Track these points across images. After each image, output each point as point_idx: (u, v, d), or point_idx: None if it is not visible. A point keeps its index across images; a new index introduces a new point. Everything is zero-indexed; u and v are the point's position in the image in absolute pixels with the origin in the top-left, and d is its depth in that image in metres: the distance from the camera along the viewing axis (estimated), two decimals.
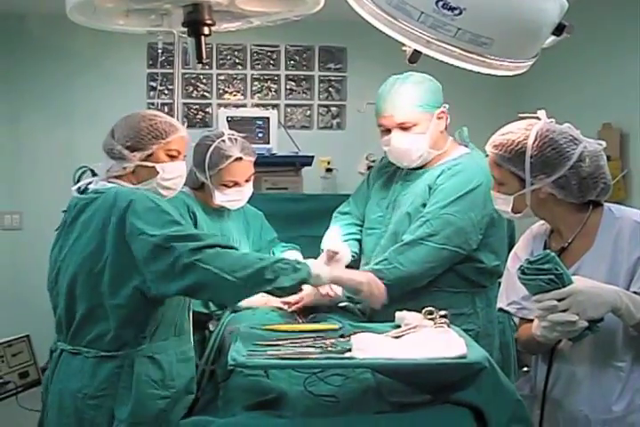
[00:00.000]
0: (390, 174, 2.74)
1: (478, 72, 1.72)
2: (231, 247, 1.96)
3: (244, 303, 2.55)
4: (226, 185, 2.71)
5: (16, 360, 3.40)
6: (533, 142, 1.90)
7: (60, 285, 2.03)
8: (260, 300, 2.50)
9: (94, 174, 2.16)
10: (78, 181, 2.14)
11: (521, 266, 1.78)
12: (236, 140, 2.72)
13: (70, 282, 1.99)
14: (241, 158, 2.69)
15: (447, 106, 2.62)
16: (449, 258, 2.47)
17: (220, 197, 2.72)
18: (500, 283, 2.51)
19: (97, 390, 1.94)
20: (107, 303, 1.94)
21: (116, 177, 2.13)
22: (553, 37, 1.76)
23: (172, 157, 2.18)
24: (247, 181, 2.76)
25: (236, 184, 2.72)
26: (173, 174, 2.19)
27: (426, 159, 2.62)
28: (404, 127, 2.55)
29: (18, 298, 5.01)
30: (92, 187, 2.10)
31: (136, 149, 2.11)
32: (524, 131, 1.94)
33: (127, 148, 2.10)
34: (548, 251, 1.79)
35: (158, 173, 2.15)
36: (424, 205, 2.51)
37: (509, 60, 1.69)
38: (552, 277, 1.72)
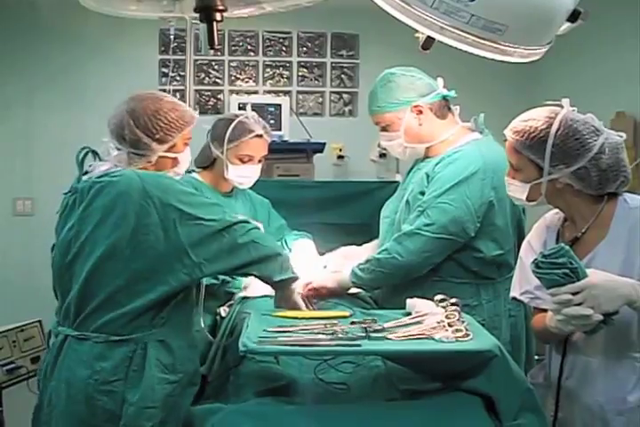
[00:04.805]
0: (413, 163, 2.75)
1: (493, 59, 1.71)
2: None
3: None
4: (241, 159, 2.77)
5: (28, 345, 3.41)
6: (557, 131, 1.88)
7: (75, 270, 1.98)
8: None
9: (96, 155, 2.11)
10: (82, 162, 2.09)
11: (535, 259, 1.76)
12: (258, 120, 2.82)
13: (93, 267, 1.93)
14: (262, 136, 2.78)
15: (446, 92, 2.60)
16: (446, 246, 2.46)
17: (233, 172, 2.77)
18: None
19: (109, 375, 1.91)
20: (134, 288, 1.93)
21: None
22: (568, 24, 1.74)
23: (186, 145, 2.19)
24: (260, 161, 2.83)
25: (251, 160, 2.78)
26: (187, 162, 2.23)
27: (417, 152, 2.65)
28: (381, 127, 2.65)
29: (30, 283, 5.03)
30: (99, 169, 2.06)
31: (164, 141, 2.09)
32: (546, 118, 1.91)
33: (155, 140, 2.07)
34: (562, 244, 1.77)
35: (178, 162, 2.18)
36: (422, 193, 2.51)
37: (523, 46, 1.68)
38: (566, 271, 1.71)
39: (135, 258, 1.93)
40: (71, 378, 1.94)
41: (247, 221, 2.07)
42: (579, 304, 1.71)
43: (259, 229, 2.13)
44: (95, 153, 2.12)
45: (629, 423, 1.87)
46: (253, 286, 2.58)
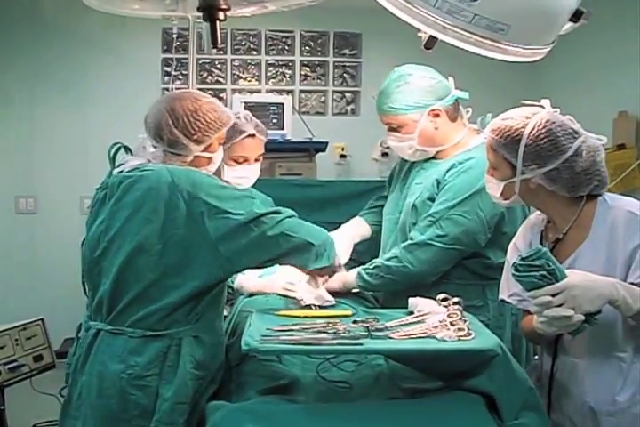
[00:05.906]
0: (413, 161, 2.73)
1: (495, 58, 1.71)
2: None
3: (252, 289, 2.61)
4: (236, 160, 2.73)
5: (30, 344, 3.42)
6: (530, 131, 1.88)
7: (105, 265, 1.98)
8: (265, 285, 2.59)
9: (127, 151, 2.11)
10: (114, 157, 2.09)
11: (514, 263, 1.77)
12: (250, 119, 2.77)
13: (124, 262, 1.94)
14: (254, 135, 2.74)
15: (461, 94, 2.57)
16: (457, 256, 2.46)
17: (230, 173, 2.74)
18: None
19: (143, 369, 1.92)
20: (167, 283, 1.94)
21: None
22: (570, 24, 1.74)
23: (220, 144, 2.20)
24: (257, 160, 2.80)
25: (246, 161, 2.75)
26: (219, 161, 2.24)
27: (428, 154, 2.62)
28: (391, 128, 2.60)
29: (32, 282, 5.05)
30: (131, 164, 2.05)
31: (201, 142, 2.10)
32: (523, 118, 1.92)
33: (193, 141, 2.08)
34: (539, 246, 1.77)
35: (212, 162, 2.18)
36: (430, 199, 2.50)
37: (526, 46, 1.68)
38: (544, 273, 1.71)
39: (166, 252, 1.93)
40: (104, 372, 1.94)
41: (278, 212, 2.02)
42: (559, 305, 1.71)
43: (294, 216, 2.06)
44: (127, 148, 2.12)
45: (620, 424, 1.87)
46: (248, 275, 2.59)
